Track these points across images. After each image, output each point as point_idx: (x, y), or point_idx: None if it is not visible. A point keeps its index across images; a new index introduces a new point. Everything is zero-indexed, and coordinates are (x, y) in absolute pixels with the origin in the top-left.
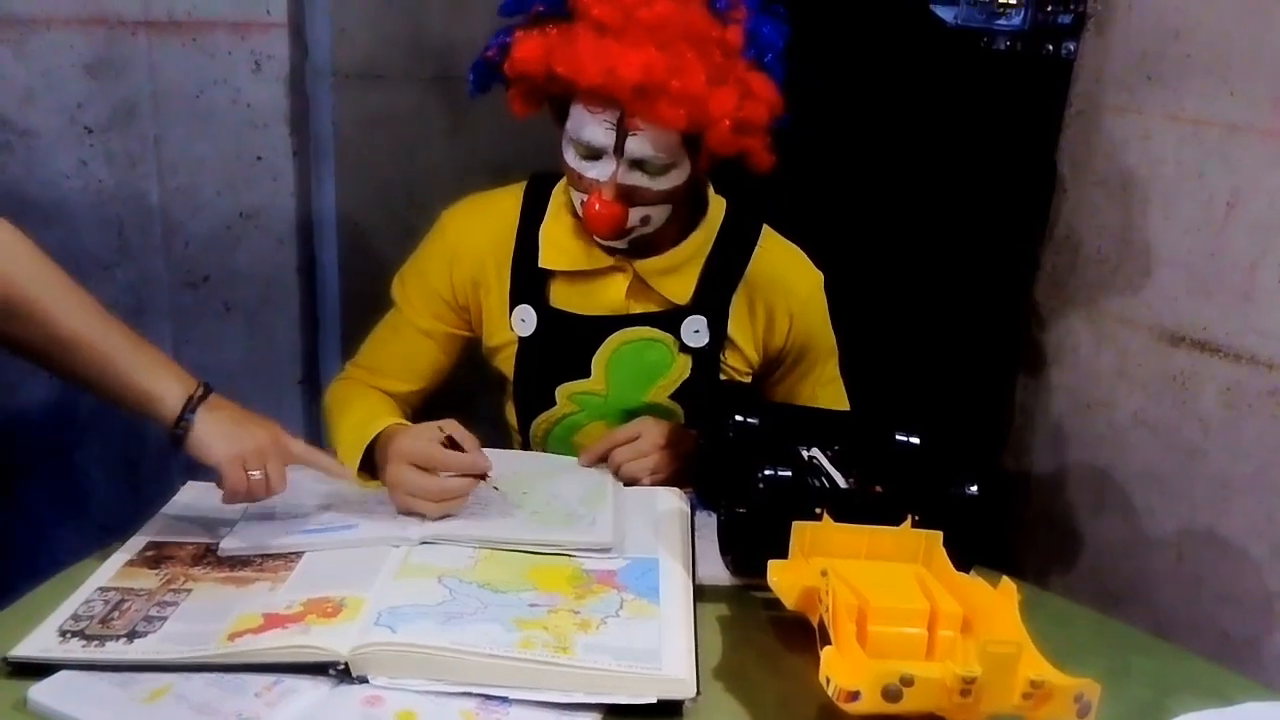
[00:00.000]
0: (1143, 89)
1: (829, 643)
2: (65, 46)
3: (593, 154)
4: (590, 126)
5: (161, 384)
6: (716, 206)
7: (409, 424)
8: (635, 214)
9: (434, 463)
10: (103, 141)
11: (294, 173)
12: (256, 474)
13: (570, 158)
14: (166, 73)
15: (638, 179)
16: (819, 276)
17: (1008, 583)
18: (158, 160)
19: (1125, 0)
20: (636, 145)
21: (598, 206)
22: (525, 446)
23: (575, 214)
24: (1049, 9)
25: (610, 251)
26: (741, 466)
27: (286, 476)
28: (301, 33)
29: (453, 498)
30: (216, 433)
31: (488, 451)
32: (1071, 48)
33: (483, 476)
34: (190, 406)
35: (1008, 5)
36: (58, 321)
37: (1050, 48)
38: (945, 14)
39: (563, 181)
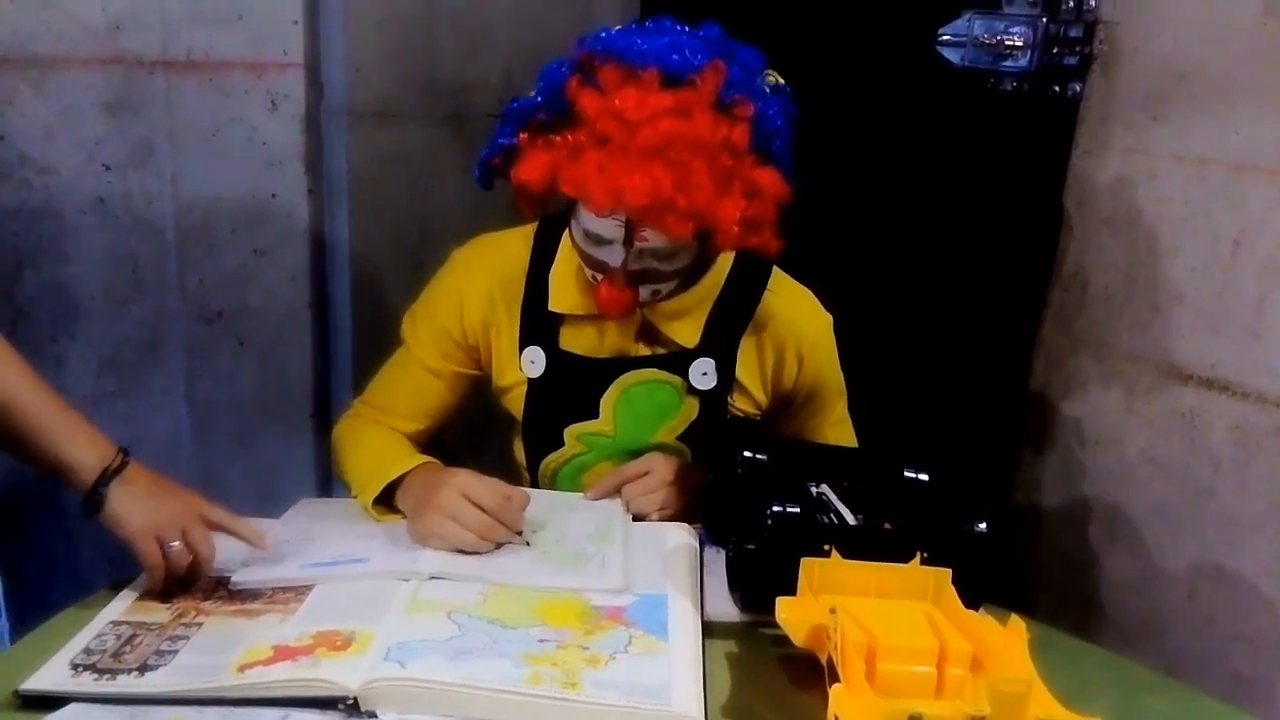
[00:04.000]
0: (1149, 129)
1: (838, 680)
2: (85, 86)
3: (602, 242)
4: (598, 223)
5: (78, 454)
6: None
7: (438, 462)
8: (645, 290)
9: (492, 506)
10: (120, 178)
11: (308, 210)
12: (175, 545)
13: (579, 238)
14: (184, 111)
15: (647, 263)
16: (828, 318)
17: (1017, 620)
18: (174, 197)
19: (1131, 42)
20: (646, 238)
21: (606, 292)
22: (534, 485)
23: None
24: (1055, 50)
25: None
26: (750, 502)
27: (212, 541)
28: (317, 73)
29: (492, 538)
30: (130, 507)
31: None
32: (1078, 89)
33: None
34: (104, 479)
35: (1014, 47)
36: None
37: (1056, 88)
38: (951, 55)
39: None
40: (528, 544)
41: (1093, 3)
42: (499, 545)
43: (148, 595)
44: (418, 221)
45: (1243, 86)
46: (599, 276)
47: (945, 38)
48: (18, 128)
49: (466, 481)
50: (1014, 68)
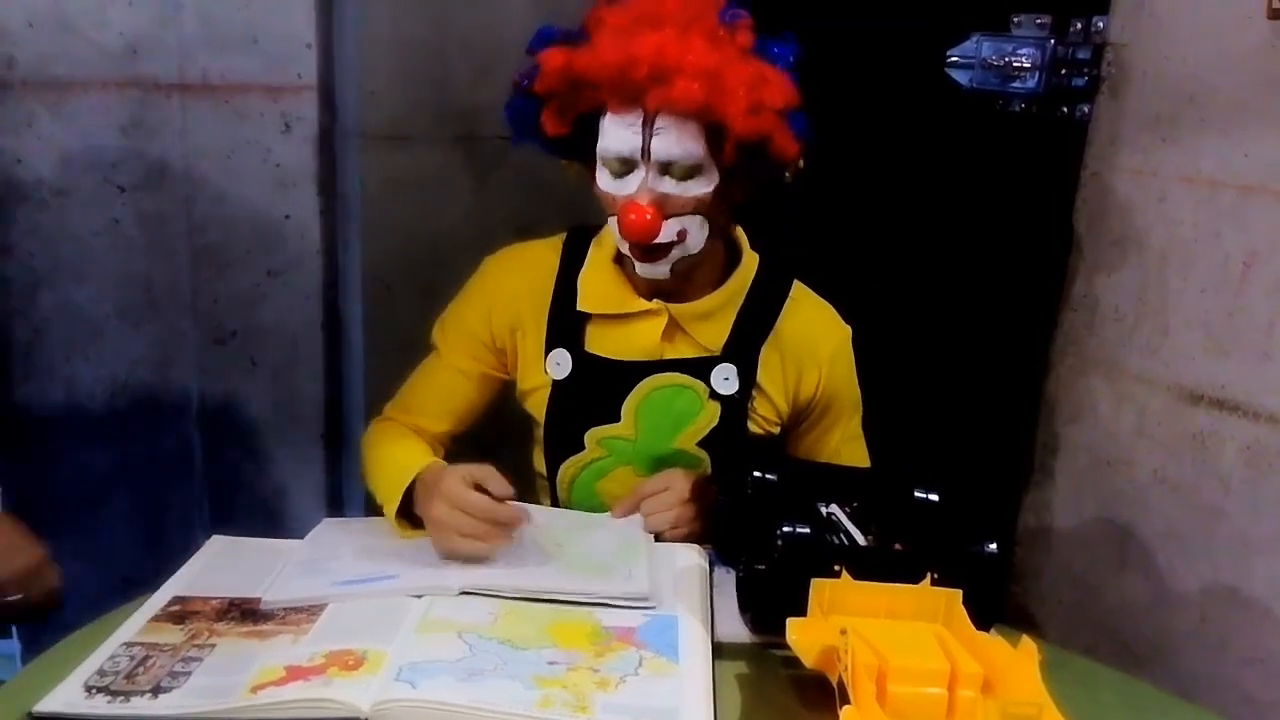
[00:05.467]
0: (1158, 151)
1: (848, 702)
2: (102, 109)
3: (622, 168)
4: (616, 133)
5: None
6: (750, 259)
7: (443, 463)
8: (670, 227)
9: (470, 507)
10: (135, 200)
11: (321, 231)
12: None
13: (604, 182)
14: (199, 134)
15: (668, 186)
16: (848, 331)
17: (1028, 642)
18: (188, 219)
19: (1140, 65)
20: (662, 145)
21: (632, 215)
22: (552, 491)
23: (614, 260)
24: (1063, 72)
25: (649, 295)
26: (760, 523)
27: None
28: (331, 95)
29: (493, 537)
30: None
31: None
32: (1086, 110)
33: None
34: None
35: (1022, 68)
36: None
37: (1065, 110)
38: (960, 77)
39: (601, 232)
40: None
41: (1101, 25)
42: (514, 540)
43: (163, 614)
44: (429, 242)
45: (1251, 109)
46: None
47: (954, 59)
48: (35, 150)
49: (450, 490)
50: (1022, 89)
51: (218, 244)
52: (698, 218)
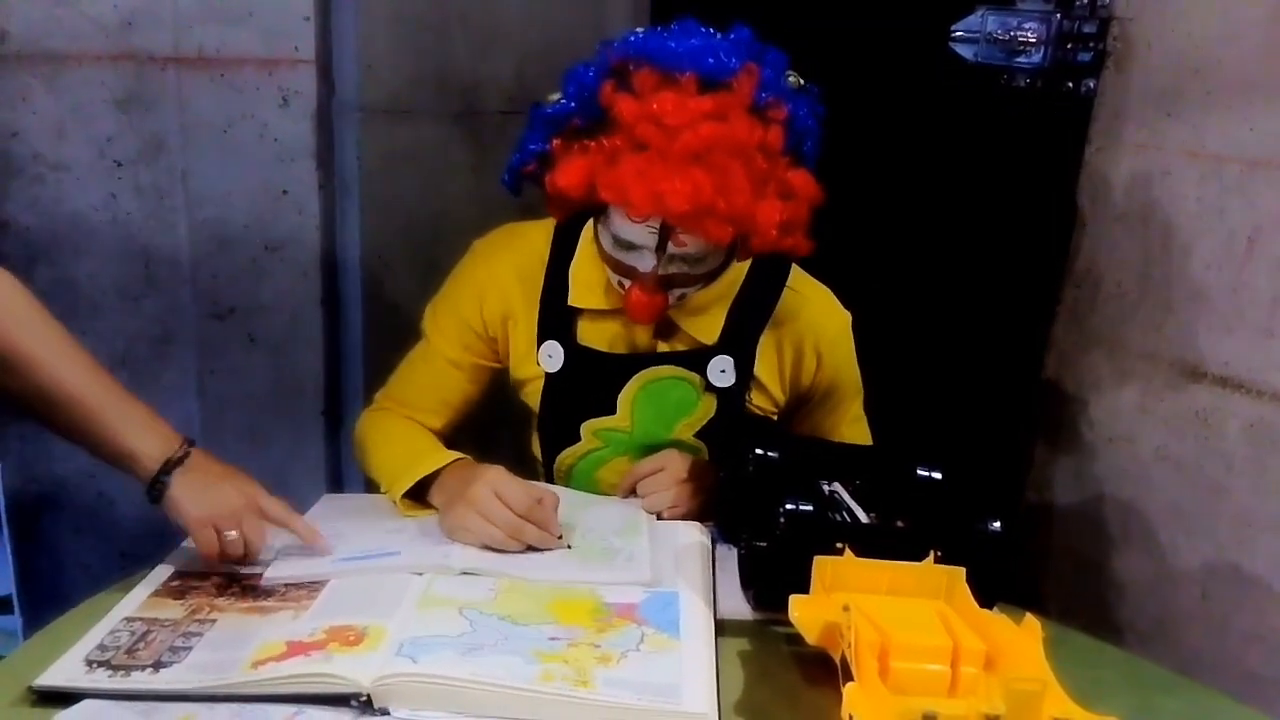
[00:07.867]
0: (1163, 126)
1: (851, 679)
2: (96, 82)
3: (633, 248)
4: (631, 229)
5: (143, 443)
6: None
7: (471, 459)
8: (674, 294)
9: (521, 508)
10: (132, 175)
11: (319, 206)
12: (231, 534)
13: (607, 244)
14: (195, 107)
15: (678, 267)
16: (847, 316)
17: (1031, 619)
18: (185, 193)
19: (1145, 39)
20: (678, 247)
21: (638, 296)
22: (549, 480)
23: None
24: (1069, 46)
25: None
26: (763, 500)
27: (265, 535)
28: (329, 69)
29: (521, 539)
30: (189, 495)
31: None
32: (1091, 85)
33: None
34: (167, 468)
35: (1027, 43)
36: (46, 374)
37: (1070, 85)
38: (965, 51)
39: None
40: (569, 546)
41: None
42: (529, 547)
43: (164, 589)
44: (429, 218)
45: (1257, 83)
46: (625, 283)
47: (958, 34)
48: (30, 124)
49: (498, 479)
50: (1027, 64)
51: (215, 219)
52: (702, 283)
